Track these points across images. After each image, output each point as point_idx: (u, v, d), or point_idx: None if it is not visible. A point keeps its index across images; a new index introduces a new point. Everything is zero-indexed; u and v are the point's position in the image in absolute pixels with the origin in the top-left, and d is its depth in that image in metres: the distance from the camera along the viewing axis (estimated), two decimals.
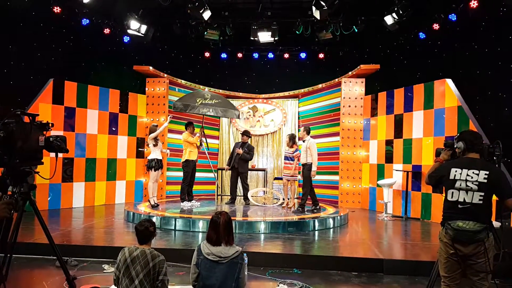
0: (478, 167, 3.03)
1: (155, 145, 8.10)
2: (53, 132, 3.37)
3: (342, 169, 10.45)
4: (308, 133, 8.21)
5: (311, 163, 7.98)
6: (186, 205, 8.40)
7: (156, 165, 8.05)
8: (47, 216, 8.08)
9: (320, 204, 8.61)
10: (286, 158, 8.42)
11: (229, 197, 9.52)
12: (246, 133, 9.36)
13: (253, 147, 9.56)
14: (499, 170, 3.10)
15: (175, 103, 8.50)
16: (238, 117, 9.56)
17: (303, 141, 8.19)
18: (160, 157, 8.17)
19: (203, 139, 8.72)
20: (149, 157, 8.15)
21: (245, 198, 9.31)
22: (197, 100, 8.42)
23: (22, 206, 3.02)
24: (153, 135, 8.14)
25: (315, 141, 8.38)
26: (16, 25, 9.25)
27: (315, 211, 8.14)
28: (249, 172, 9.45)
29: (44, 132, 3.17)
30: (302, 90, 11.73)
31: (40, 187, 8.48)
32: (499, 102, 8.80)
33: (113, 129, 10.16)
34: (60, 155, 8.45)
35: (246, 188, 9.29)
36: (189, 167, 8.45)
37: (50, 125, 3.17)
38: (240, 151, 9.02)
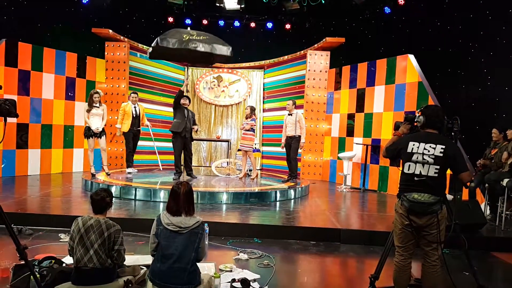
0: (435, 141, 3.10)
1: (88, 110, 7.74)
2: (7, 96, 3.17)
3: (304, 141, 10.52)
4: (295, 106, 8.38)
5: (299, 135, 8.23)
6: (127, 171, 8.80)
7: (86, 133, 7.80)
8: (0, 183, 7.76)
9: (281, 176, 8.69)
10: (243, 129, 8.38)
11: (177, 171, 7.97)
12: (188, 98, 8.07)
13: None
14: (455, 145, 3.18)
15: (158, 39, 7.23)
16: (231, 54, 7.86)
17: (290, 115, 8.29)
18: (91, 126, 7.74)
19: (186, 85, 8.22)
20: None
21: (191, 170, 8.20)
22: (184, 36, 7.34)
23: None
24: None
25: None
26: None
27: (291, 181, 8.35)
28: (210, 143, 9.07)
29: None
30: (268, 61, 11.61)
31: None
32: (457, 79, 9.07)
33: (70, 94, 9.73)
34: (14, 120, 8.08)
35: (191, 159, 8.19)
36: (128, 136, 8.60)
37: None
38: (187, 102, 7.89)
